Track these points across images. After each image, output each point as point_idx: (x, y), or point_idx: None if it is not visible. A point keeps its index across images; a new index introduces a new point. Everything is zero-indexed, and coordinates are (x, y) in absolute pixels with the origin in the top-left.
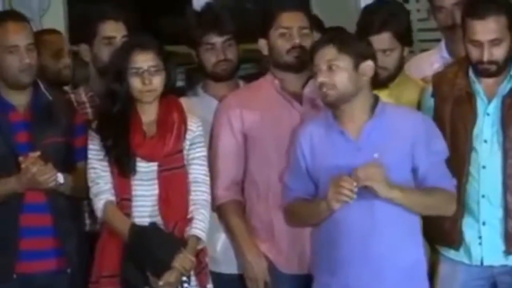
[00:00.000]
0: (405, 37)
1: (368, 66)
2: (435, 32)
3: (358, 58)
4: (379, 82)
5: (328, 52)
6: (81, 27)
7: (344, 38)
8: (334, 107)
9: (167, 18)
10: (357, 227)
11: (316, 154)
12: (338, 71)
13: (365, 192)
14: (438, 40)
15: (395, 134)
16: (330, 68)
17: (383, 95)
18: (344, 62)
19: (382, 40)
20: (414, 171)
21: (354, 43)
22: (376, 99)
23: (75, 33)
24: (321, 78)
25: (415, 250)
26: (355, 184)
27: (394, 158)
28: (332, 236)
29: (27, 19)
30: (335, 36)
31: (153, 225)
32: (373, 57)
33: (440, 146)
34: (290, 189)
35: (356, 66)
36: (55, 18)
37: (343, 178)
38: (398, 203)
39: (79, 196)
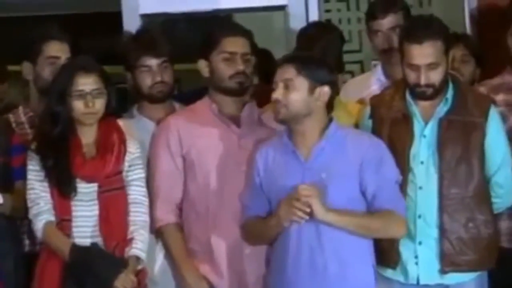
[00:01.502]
0: None
1: (324, 91)
2: None
3: (316, 82)
4: None
5: (288, 71)
6: (25, 45)
7: (306, 60)
8: (284, 124)
9: (95, 38)
10: (304, 247)
11: (269, 173)
12: (293, 91)
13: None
14: None
15: (344, 156)
16: (286, 86)
17: None
18: (300, 83)
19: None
20: (363, 193)
21: (315, 67)
22: (330, 122)
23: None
24: (276, 95)
25: (363, 272)
26: (307, 207)
27: (342, 179)
28: (282, 255)
29: None
30: (297, 57)
31: (94, 245)
32: (332, 84)
33: (389, 169)
34: (247, 207)
35: (312, 89)
36: None
37: (297, 199)
38: (337, 226)
39: (18, 216)
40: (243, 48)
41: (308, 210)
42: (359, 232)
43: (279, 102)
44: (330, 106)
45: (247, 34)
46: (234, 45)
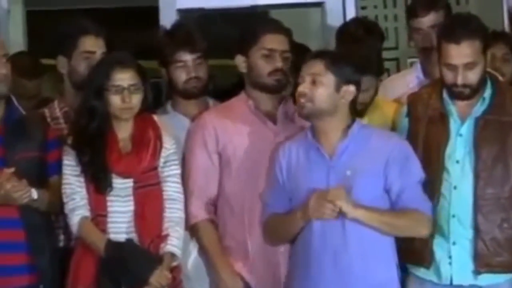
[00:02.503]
0: None
1: (349, 90)
2: None
3: (342, 80)
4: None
5: (316, 66)
6: (60, 39)
7: (335, 57)
8: (308, 119)
9: (132, 32)
10: (328, 246)
11: (292, 171)
12: (320, 86)
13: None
14: None
15: (368, 154)
16: (313, 81)
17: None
18: (328, 79)
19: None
20: (388, 192)
21: (344, 64)
22: (353, 121)
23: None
24: (302, 88)
25: (386, 269)
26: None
27: (366, 177)
28: (305, 255)
29: None
30: (327, 53)
31: (129, 241)
32: (357, 84)
33: (415, 169)
34: (267, 205)
35: (338, 87)
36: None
37: (329, 200)
38: (365, 223)
39: (53, 211)
40: (283, 45)
41: (337, 209)
42: (384, 229)
43: (305, 95)
44: (353, 107)
45: (287, 31)
46: (274, 42)
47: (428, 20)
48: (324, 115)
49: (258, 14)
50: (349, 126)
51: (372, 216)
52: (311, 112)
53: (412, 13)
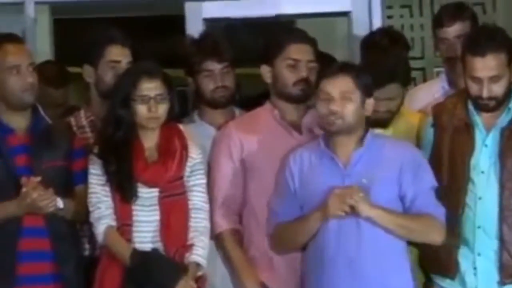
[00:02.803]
0: None
1: (371, 103)
2: None
3: (366, 94)
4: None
5: (344, 83)
6: (87, 48)
7: (361, 72)
8: (335, 135)
9: (158, 41)
10: (343, 251)
11: (305, 178)
12: (349, 103)
13: (351, 216)
14: None
15: (383, 162)
16: (343, 98)
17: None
18: (355, 96)
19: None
20: (402, 198)
21: (367, 79)
22: (366, 131)
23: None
24: (333, 107)
25: (402, 274)
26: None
27: (382, 185)
28: (320, 261)
29: (24, 40)
30: (351, 68)
31: (154, 250)
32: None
33: (427, 175)
34: (277, 213)
35: (363, 101)
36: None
37: (349, 191)
38: (380, 224)
39: (79, 220)
40: (308, 55)
41: (355, 204)
42: (399, 232)
43: (335, 113)
44: (368, 117)
45: (312, 41)
46: (299, 52)
47: (453, 30)
48: (351, 130)
49: (284, 23)
50: (363, 135)
51: (387, 217)
52: (341, 129)
53: (438, 22)
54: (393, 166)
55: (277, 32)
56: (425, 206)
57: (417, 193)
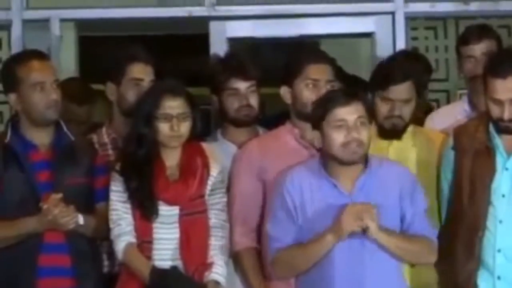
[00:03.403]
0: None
1: (373, 126)
2: None
3: (370, 116)
4: (395, 132)
5: (359, 109)
6: (110, 66)
7: (365, 96)
8: (354, 163)
9: (182, 59)
10: (351, 273)
11: (307, 205)
12: (365, 129)
13: (360, 236)
14: None
15: (383, 187)
16: (361, 124)
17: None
18: (367, 120)
19: (404, 90)
20: (401, 221)
21: (368, 101)
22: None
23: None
24: (355, 134)
25: None
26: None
27: (386, 209)
28: (328, 284)
29: (49, 57)
30: (359, 93)
31: (174, 268)
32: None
33: (421, 197)
34: (276, 239)
35: (369, 124)
36: (67, 55)
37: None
38: (383, 246)
39: (99, 237)
40: (327, 75)
41: (364, 226)
42: (399, 253)
43: (356, 141)
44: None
45: (330, 61)
46: (318, 72)
47: (480, 48)
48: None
49: (308, 43)
50: (366, 161)
51: (391, 239)
52: (362, 156)
53: (464, 40)
54: (393, 190)
55: (296, 53)
56: (421, 229)
57: (414, 216)
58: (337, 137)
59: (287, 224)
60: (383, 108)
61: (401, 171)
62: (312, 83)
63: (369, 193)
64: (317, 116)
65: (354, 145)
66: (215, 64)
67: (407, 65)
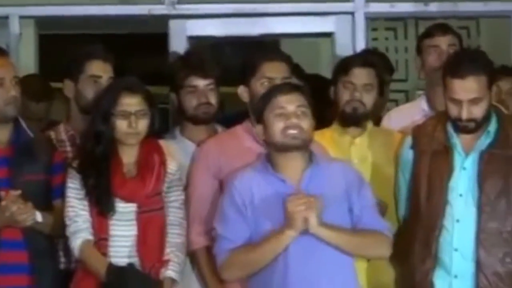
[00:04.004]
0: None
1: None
2: None
3: (312, 109)
4: (356, 117)
5: (299, 98)
6: (68, 63)
7: (306, 89)
8: (292, 151)
9: (141, 58)
10: (302, 270)
11: (256, 202)
12: (306, 118)
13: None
14: None
15: (330, 181)
16: (301, 113)
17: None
18: (308, 111)
19: (365, 74)
20: (350, 213)
21: (310, 94)
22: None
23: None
24: (294, 120)
25: None
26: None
27: (334, 202)
28: (282, 283)
29: (8, 53)
30: (302, 86)
31: (130, 265)
32: None
33: (369, 192)
34: (225, 239)
35: (312, 118)
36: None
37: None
38: (329, 242)
39: (57, 234)
40: (282, 72)
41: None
42: (348, 248)
43: (296, 127)
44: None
45: (286, 58)
46: (273, 70)
47: (445, 40)
48: (306, 146)
49: (267, 43)
50: (310, 154)
51: (336, 234)
52: (303, 143)
53: (428, 33)
54: (339, 184)
55: (253, 52)
56: (371, 222)
57: (363, 210)
58: (278, 124)
59: (238, 223)
60: (344, 94)
61: (347, 167)
62: (268, 81)
63: (316, 186)
64: (259, 108)
65: (293, 130)
66: (174, 62)
67: (369, 56)
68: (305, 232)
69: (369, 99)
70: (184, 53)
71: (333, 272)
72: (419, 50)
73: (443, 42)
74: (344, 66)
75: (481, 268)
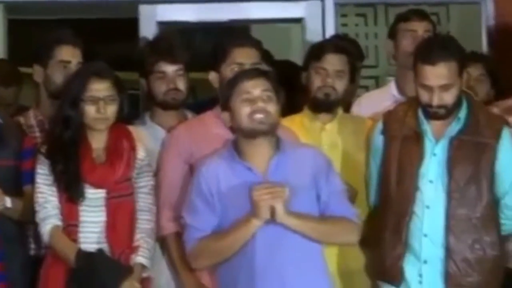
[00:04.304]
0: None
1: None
2: None
3: (279, 96)
4: (327, 103)
5: (264, 83)
6: (37, 48)
7: (272, 74)
8: (259, 136)
9: (111, 44)
10: (272, 259)
11: (224, 192)
12: (271, 102)
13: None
14: None
15: (297, 168)
16: (267, 97)
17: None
18: (274, 96)
19: (337, 60)
20: (318, 200)
21: (276, 80)
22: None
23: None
24: (260, 104)
25: (322, 277)
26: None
27: (302, 191)
28: (249, 270)
29: None
30: (265, 71)
31: (100, 251)
32: None
33: (337, 178)
34: (193, 228)
35: (278, 100)
36: None
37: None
38: (294, 229)
39: (27, 220)
40: (252, 58)
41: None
42: (316, 236)
43: (263, 111)
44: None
45: (256, 44)
46: (243, 56)
47: (422, 25)
48: (273, 132)
49: (239, 29)
50: (277, 141)
51: (304, 223)
52: (270, 128)
53: (405, 17)
54: (306, 170)
55: (222, 38)
56: (339, 209)
57: (330, 197)
58: (244, 109)
59: (205, 212)
60: (316, 80)
61: (315, 152)
62: (238, 67)
63: (283, 174)
64: (226, 95)
65: (260, 115)
66: (144, 47)
67: (341, 42)
68: (272, 220)
69: (341, 85)
70: (153, 39)
71: (301, 259)
72: (393, 34)
73: (420, 28)
74: (317, 52)
75: (451, 254)
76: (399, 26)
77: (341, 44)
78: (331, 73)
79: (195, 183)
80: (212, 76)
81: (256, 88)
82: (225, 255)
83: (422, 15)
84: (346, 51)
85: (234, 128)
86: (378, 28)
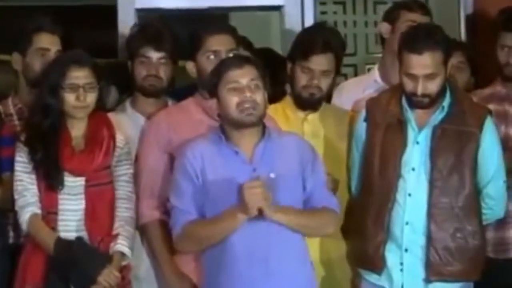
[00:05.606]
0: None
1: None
2: None
3: (266, 85)
4: (312, 102)
5: (251, 71)
6: (15, 36)
7: (257, 61)
8: (251, 125)
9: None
10: (255, 249)
11: (209, 174)
12: (259, 91)
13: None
14: None
15: (284, 155)
16: (255, 86)
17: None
18: (261, 84)
19: (325, 61)
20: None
21: (262, 66)
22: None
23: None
24: (248, 94)
25: (306, 268)
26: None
27: (288, 177)
28: (231, 259)
29: None
30: (251, 57)
31: (79, 239)
32: None
33: (321, 168)
34: (183, 211)
35: (265, 89)
36: None
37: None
38: (283, 224)
39: (5, 208)
40: (227, 45)
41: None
42: (297, 229)
43: (250, 102)
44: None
45: (230, 30)
46: (217, 43)
47: (424, 20)
48: (261, 121)
49: (217, 16)
50: (263, 128)
51: (290, 218)
52: (258, 119)
53: (410, 7)
54: (293, 158)
55: (196, 27)
56: (321, 199)
57: (315, 186)
58: (232, 99)
59: (191, 194)
60: (302, 78)
61: (300, 140)
62: (213, 54)
63: (269, 160)
64: (212, 82)
65: (248, 105)
66: (132, 31)
67: (329, 38)
68: (260, 217)
69: (326, 83)
70: (143, 24)
71: (282, 248)
72: (392, 19)
73: (422, 21)
74: (304, 51)
75: (432, 242)
76: (402, 13)
77: (328, 40)
78: (317, 73)
79: (180, 165)
80: (190, 65)
81: (244, 77)
82: (210, 242)
83: (426, 10)
84: (333, 48)
85: (222, 116)
86: (357, 16)
